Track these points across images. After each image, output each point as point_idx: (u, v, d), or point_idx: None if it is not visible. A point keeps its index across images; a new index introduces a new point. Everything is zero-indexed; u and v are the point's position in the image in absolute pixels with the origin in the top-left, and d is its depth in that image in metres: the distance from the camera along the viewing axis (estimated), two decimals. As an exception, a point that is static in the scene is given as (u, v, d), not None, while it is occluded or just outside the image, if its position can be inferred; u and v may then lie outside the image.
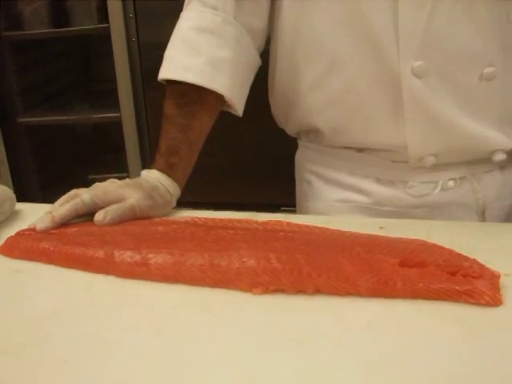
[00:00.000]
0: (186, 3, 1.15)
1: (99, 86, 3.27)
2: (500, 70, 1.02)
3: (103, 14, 2.63)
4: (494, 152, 1.08)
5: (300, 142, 1.29)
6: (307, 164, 1.26)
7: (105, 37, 2.62)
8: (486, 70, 1.01)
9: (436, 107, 1.04)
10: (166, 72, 1.12)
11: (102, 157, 3.30)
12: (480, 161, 1.11)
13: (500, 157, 1.08)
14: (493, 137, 1.07)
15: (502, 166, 1.13)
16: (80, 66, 3.37)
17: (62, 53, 3.19)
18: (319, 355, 0.66)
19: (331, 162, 1.19)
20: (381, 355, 0.66)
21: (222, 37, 1.10)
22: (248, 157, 2.65)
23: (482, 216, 1.14)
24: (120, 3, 2.54)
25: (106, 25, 2.60)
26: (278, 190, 2.03)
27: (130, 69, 2.63)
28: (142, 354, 0.68)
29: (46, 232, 0.96)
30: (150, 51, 2.55)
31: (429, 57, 1.01)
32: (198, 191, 2.36)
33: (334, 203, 1.19)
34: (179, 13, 1.15)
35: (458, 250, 0.83)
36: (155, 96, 2.61)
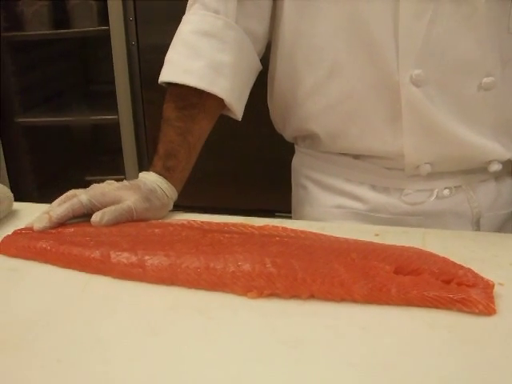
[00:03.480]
0: (188, 6, 1.15)
1: (98, 88, 3.27)
2: (498, 80, 1.03)
3: (103, 17, 2.63)
4: (489, 162, 1.09)
5: (297, 148, 1.29)
6: (304, 169, 1.27)
7: (104, 39, 2.63)
8: (484, 80, 1.02)
9: (434, 116, 1.04)
10: (167, 75, 1.12)
11: (99, 158, 3.31)
12: (475, 170, 1.11)
13: (495, 167, 1.09)
14: (489, 147, 1.07)
15: (497, 175, 1.13)
16: (79, 68, 3.38)
17: (61, 54, 3.20)
18: (312, 360, 0.66)
19: (327, 168, 1.20)
20: (373, 361, 0.66)
21: (223, 40, 1.10)
22: (243, 162, 2.66)
23: (477, 225, 1.14)
24: (120, 6, 2.55)
25: (106, 27, 2.60)
26: (272, 195, 2.04)
27: (129, 71, 2.64)
28: (137, 354, 0.68)
29: (43, 232, 0.97)
30: (150, 54, 2.56)
31: (428, 66, 1.02)
32: (192, 195, 2.36)
33: (329, 209, 1.20)
34: (179, 16, 1.15)
35: (452, 258, 0.83)
36: (153, 99, 2.62)
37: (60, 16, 2.74)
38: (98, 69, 3.30)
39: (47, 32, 2.75)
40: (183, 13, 1.15)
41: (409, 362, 0.66)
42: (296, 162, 1.31)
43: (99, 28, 2.68)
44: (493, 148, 1.07)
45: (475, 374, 0.64)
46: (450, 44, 1.01)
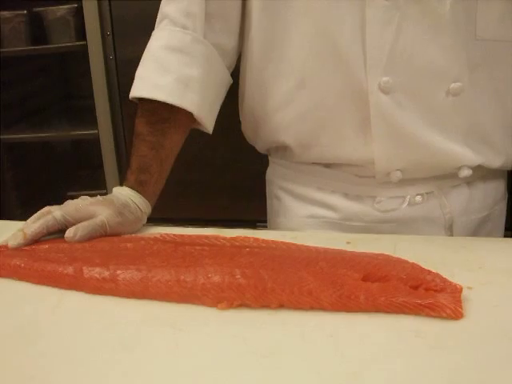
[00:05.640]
0: (156, 23, 1.16)
1: (78, 103, 3.27)
2: (466, 85, 1.04)
3: (81, 32, 2.63)
4: (460, 168, 1.10)
5: (270, 159, 1.30)
6: (277, 180, 1.28)
7: (82, 54, 2.63)
8: (452, 86, 1.03)
9: (403, 123, 1.05)
10: (137, 90, 1.13)
11: (80, 174, 3.30)
12: (447, 176, 1.12)
13: (465, 173, 1.10)
14: (459, 153, 1.08)
15: (468, 181, 1.14)
16: (58, 83, 3.37)
17: (40, 70, 3.19)
18: (281, 368, 0.67)
19: (300, 178, 1.20)
20: (341, 368, 0.66)
21: (191, 55, 1.11)
22: (223, 173, 2.65)
23: (450, 231, 1.15)
24: (97, 21, 2.55)
25: (84, 42, 2.60)
26: (254, 205, 2.04)
27: (108, 86, 2.63)
28: (109, 369, 0.69)
29: (18, 249, 0.97)
30: (128, 68, 2.52)
31: (396, 73, 1.03)
32: (174, 207, 2.37)
33: (302, 219, 1.21)
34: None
35: (423, 264, 0.84)
36: (133, 113, 2.61)
37: (37, 32, 2.74)
38: (78, 84, 3.29)
39: (25, 48, 2.75)
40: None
41: (377, 369, 0.66)
42: (270, 172, 1.33)
43: (77, 43, 2.68)
44: (463, 154, 1.08)
45: (443, 378, 0.64)
46: (417, 51, 1.02)
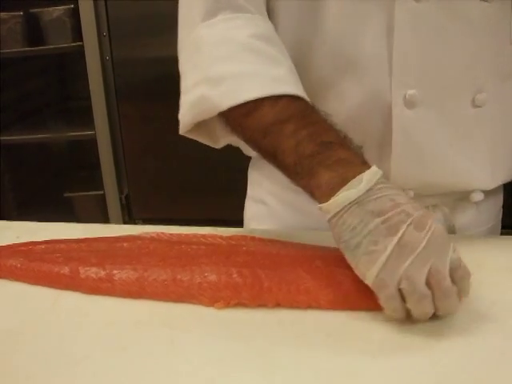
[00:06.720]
0: (208, 13, 0.96)
1: (74, 104, 3.27)
2: (491, 95, 0.97)
3: (77, 33, 2.64)
4: (472, 191, 1.05)
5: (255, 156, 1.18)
6: (264, 181, 1.19)
7: (79, 55, 2.63)
8: (477, 96, 0.96)
9: (425, 141, 0.98)
10: (256, 89, 0.89)
11: (78, 175, 3.30)
12: (456, 194, 1.07)
13: (478, 197, 1.05)
14: (477, 174, 1.02)
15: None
16: (55, 84, 3.37)
17: (36, 71, 3.20)
18: (278, 368, 0.67)
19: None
20: (339, 368, 0.66)
21: (280, 44, 0.96)
22: (220, 172, 2.65)
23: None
24: (94, 21, 2.56)
25: (80, 43, 2.61)
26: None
27: (104, 86, 2.64)
28: (105, 369, 0.69)
29: (14, 249, 0.96)
30: (124, 69, 2.56)
31: (423, 85, 0.95)
32: (172, 208, 2.37)
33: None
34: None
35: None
36: (129, 113, 2.63)
37: (34, 33, 2.75)
38: (74, 85, 3.29)
39: (21, 49, 2.76)
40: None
41: (376, 368, 0.66)
42: (253, 170, 1.24)
43: (73, 44, 2.69)
44: (480, 175, 1.03)
45: (443, 376, 0.65)
46: (447, 63, 0.95)
